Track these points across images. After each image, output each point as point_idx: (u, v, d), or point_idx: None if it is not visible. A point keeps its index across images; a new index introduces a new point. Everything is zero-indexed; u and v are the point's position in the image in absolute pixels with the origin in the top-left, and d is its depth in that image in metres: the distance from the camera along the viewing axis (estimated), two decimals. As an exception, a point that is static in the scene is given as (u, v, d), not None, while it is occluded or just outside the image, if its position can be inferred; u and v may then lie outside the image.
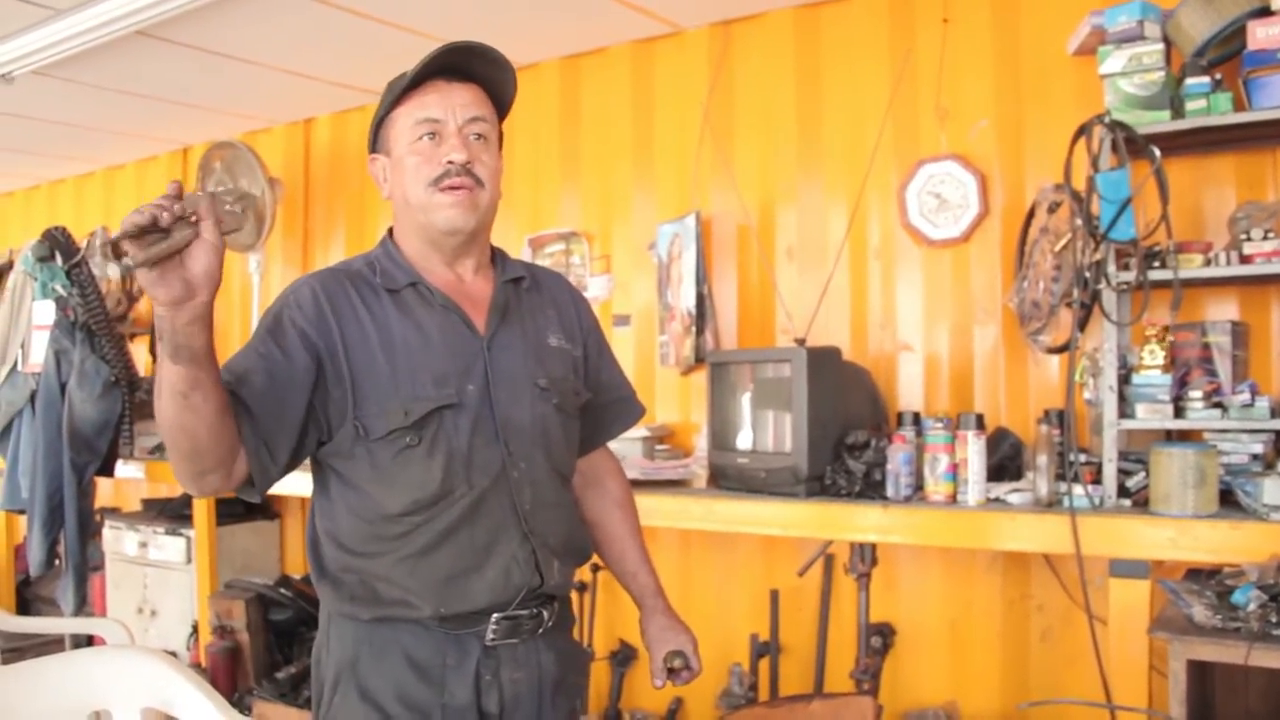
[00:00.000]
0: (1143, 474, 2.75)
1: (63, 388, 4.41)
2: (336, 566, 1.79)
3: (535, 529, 1.81)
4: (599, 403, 2.04)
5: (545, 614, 1.84)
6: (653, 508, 3.33)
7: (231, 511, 4.92)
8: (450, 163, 1.76)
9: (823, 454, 3.14)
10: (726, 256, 3.98)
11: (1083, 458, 2.87)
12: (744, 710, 2.67)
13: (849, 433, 3.16)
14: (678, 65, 4.11)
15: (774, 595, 3.76)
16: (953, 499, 2.95)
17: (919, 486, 3.05)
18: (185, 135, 5.64)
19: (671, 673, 1.98)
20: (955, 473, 2.96)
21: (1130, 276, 2.75)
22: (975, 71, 3.48)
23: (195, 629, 4.79)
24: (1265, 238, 2.69)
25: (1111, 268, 2.79)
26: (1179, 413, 2.74)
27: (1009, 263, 3.35)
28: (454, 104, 1.79)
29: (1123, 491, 2.78)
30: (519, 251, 4.35)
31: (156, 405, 1.54)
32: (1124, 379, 2.82)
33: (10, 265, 5.71)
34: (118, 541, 5.15)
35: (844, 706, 2.66)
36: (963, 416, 2.99)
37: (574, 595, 3.98)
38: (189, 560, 4.82)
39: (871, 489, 3.08)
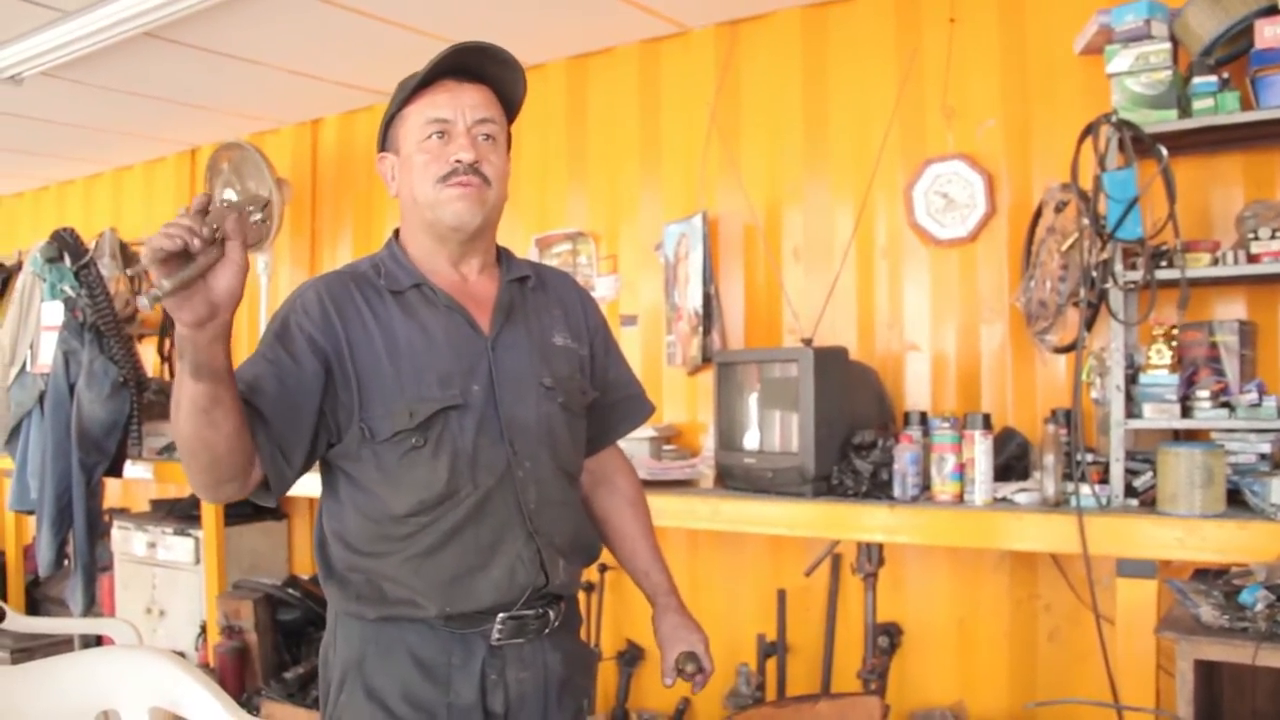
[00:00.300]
0: (1150, 474, 2.75)
1: (71, 388, 4.42)
2: (343, 566, 1.80)
3: (541, 528, 1.82)
4: (607, 401, 2.04)
5: (551, 614, 1.85)
6: (660, 508, 3.31)
7: (240, 512, 4.92)
8: (458, 161, 1.77)
9: (829, 454, 3.14)
10: (733, 256, 3.98)
11: (1090, 457, 2.87)
12: (751, 710, 2.67)
13: (856, 432, 3.16)
14: (684, 65, 4.11)
15: (781, 595, 3.76)
16: (959, 499, 2.95)
17: (926, 486, 3.05)
18: (193, 136, 5.65)
19: (683, 674, 1.97)
20: (962, 472, 2.95)
21: (1137, 276, 2.75)
22: (982, 71, 3.48)
23: (203, 629, 4.80)
24: (1273, 237, 2.69)
25: (1118, 267, 2.78)
26: (1186, 412, 2.74)
27: (1016, 262, 3.35)
28: (463, 104, 1.80)
29: (1130, 491, 2.78)
30: (526, 252, 4.36)
31: (174, 420, 1.54)
32: (1131, 378, 2.81)
33: (19, 266, 5.73)
34: (126, 542, 5.16)
35: (851, 706, 2.65)
36: (969, 416, 2.99)
37: (581, 595, 4.00)
38: (197, 561, 4.83)
39: (878, 489, 3.08)
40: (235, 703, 2.26)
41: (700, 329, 3.83)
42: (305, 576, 4.75)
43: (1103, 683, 2.72)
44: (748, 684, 3.73)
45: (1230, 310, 3.07)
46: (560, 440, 1.88)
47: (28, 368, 4.66)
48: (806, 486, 3.12)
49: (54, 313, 4.51)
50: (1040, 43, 3.37)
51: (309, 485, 1.88)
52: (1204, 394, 2.72)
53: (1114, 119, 2.77)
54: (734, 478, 3.40)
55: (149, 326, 5.79)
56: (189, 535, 4.86)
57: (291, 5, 3.72)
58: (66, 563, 4.64)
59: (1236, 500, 2.68)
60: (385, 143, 1.90)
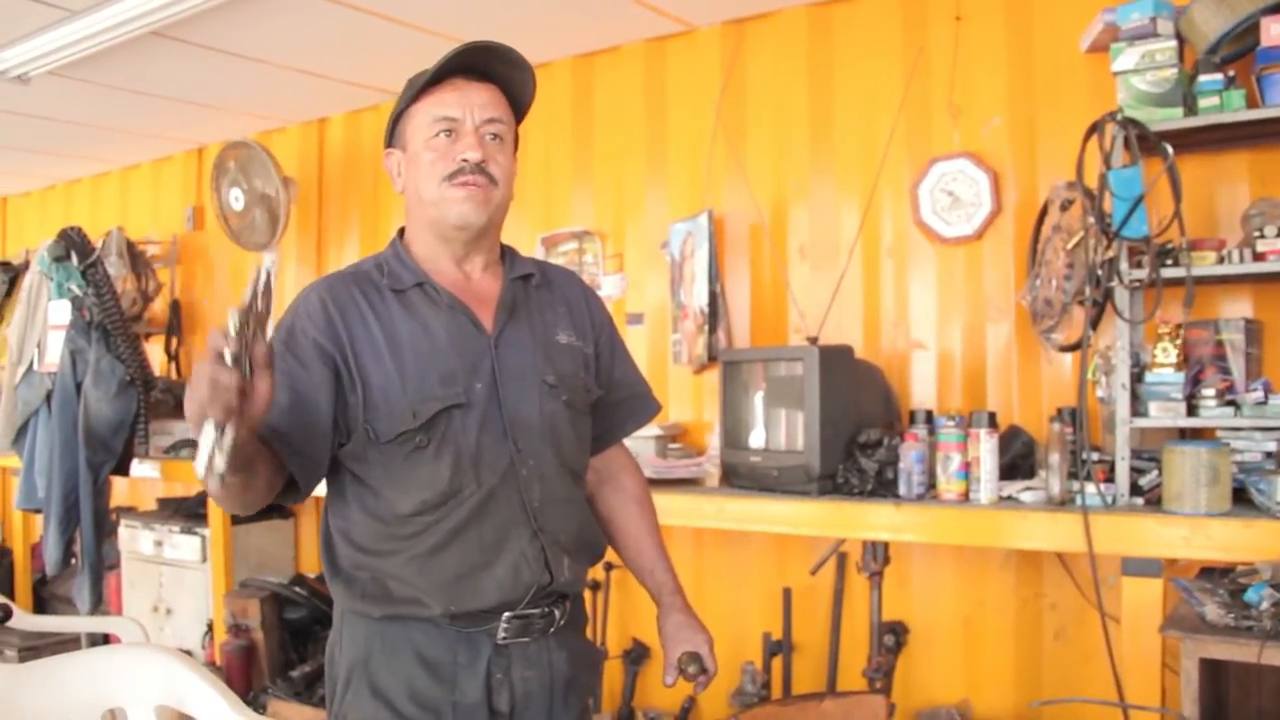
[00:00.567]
0: (1155, 472, 2.74)
1: (78, 387, 4.44)
2: (349, 565, 1.81)
3: (545, 526, 1.82)
4: (612, 400, 2.04)
5: (557, 613, 1.85)
6: (665, 506, 3.31)
7: (245, 510, 4.92)
8: (465, 161, 1.77)
9: (835, 452, 3.14)
10: (739, 255, 3.98)
11: (1095, 456, 2.86)
12: (756, 708, 2.66)
13: (861, 431, 3.16)
14: (690, 64, 4.11)
15: (786, 594, 3.76)
16: (965, 497, 2.95)
17: (931, 485, 3.05)
18: (200, 135, 5.67)
19: (685, 674, 1.96)
20: (968, 471, 2.95)
21: (1143, 274, 2.75)
22: (988, 69, 3.48)
23: (210, 628, 4.81)
24: (1279, 235, 2.68)
25: (1124, 265, 2.78)
26: (1192, 411, 2.73)
27: (1022, 260, 3.34)
28: (472, 103, 1.80)
29: (1135, 490, 2.78)
30: (532, 251, 4.36)
31: (209, 482, 1.52)
32: (1137, 377, 2.81)
33: (26, 265, 5.76)
34: (133, 540, 5.18)
35: (856, 705, 2.64)
36: (975, 415, 2.98)
37: (587, 594, 4.00)
38: (204, 559, 4.84)
39: (884, 487, 3.08)
40: (242, 701, 2.26)
41: (706, 327, 3.83)
42: (312, 575, 4.76)
43: (1109, 681, 2.72)
44: (753, 682, 3.73)
45: (1236, 308, 3.06)
46: (564, 438, 1.88)
47: (35, 366, 4.68)
48: (812, 485, 3.12)
49: (61, 312, 4.53)
50: (1046, 41, 3.37)
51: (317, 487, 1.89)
52: (1209, 392, 2.72)
53: (1119, 117, 2.77)
54: (739, 476, 3.40)
55: (156, 325, 5.82)
56: (196, 534, 4.88)
57: (298, 4, 3.73)
58: (74, 561, 4.66)
59: (1242, 499, 2.68)
60: (393, 138, 1.90)
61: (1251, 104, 2.73)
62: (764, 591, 3.86)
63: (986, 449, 2.92)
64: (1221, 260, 2.75)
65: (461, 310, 1.82)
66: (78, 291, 4.51)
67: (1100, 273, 2.77)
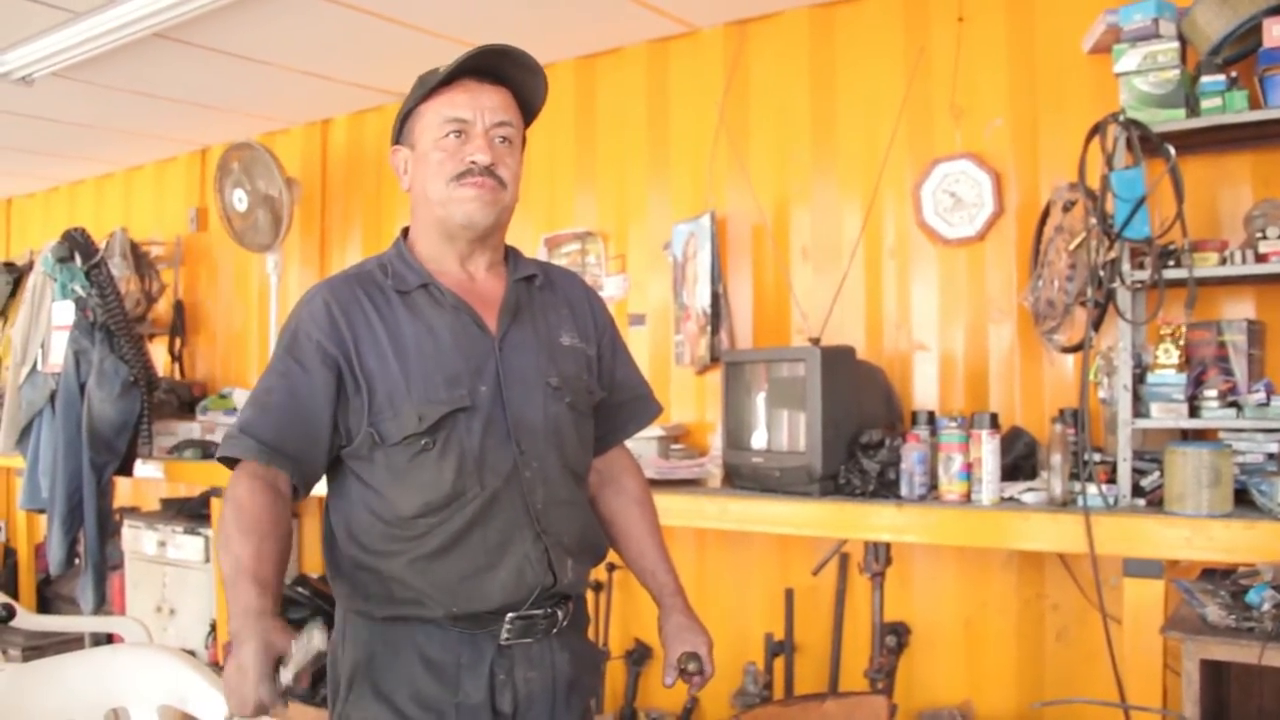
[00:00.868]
0: (1157, 473, 2.74)
1: (82, 388, 4.45)
2: (351, 564, 1.81)
3: (548, 528, 1.82)
4: (614, 401, 2.04)
5: (560, 614, 1.85)
6: (667, 507, 3.32)
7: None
8: (474, 163, 1.78)
9: (837, 453, 3.15)
10: (741, 256, 3.98)
11: (1097, 457, 2.87)
12: (758, 709, 2.67)
13: (863, 432, 3.16)
14: (693, 65, 4.12)
15: (789, 594, 3.76)
16: (967, 498, 2.95)
17: (933, 486, 3.05)
18: (203, 136, 5.67)
19: (684, 674, 1.96)
20: (969, 472, 2.95)
21: (1145, 275, 2.75)
22: (990, 70, 3.48)
23: (213, 628, 4.82)
24: (1281, 236, 2.68)
25: (1126, 266, 2.78)
26: (1194, 412, 2.73)
27: (1024, 262, 3.34)
28: (483, 106, 1.81)
29: (1137, 491, 2.78)
30: (535, 251, 4.37)
31: (224, 573, 1.66)
32: (1139, 378, 2.81)
33: (30, 266, 5.77)
34: (136, 541, 5.19)
35: (858, 706, 2.65)
36: (977, 416, 2.98)
37: (590, 595, 4.00)
38: (207, 559, 4.85)
39: (885, 488, 3.08)
40: (244, 701, 2.26)
41: (708, 328, 3.83)
42: (315, 575, 4.76)
43: (1110, 682, 2.72)
44: (755, 683, 3.73)
45: (1238, 310, 3.06)
46: (567, 440, 1.88)
47: (39, 367, 4.69)
48: (814, 486, 3.13)
49: (65, 312, 4.53)
50: (1048, 42, 3.37)
51: (318, 484, 1.89)
52: (1211, 393, 2.72)
53: (1122, 118, 2.77)
54: (741, 477, 3.40)
55: (159, 326, 5.83)
56: (199, 534, 4.89)
57: (301, 6, 3.73)
58: (77, 561, 4.67)
59: (1244, 500, 2.67)
60: (400, 136, 1.90)
61: (1254, 105, 2.74)
62: (766, 592, 3.87)
63: (988, 450, 2.92)
64: (1224, 261, 2.75)
65: (466, 311, 1.82)
66: (81, 292, 4.51)
67: (1102, 274, 2.78)
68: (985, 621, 3.47)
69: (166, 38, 3.95)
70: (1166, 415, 2.74)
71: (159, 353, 5.81)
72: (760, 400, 3.43)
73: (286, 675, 1.51)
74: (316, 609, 4.47)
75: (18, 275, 6.25)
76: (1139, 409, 2.78)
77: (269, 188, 4.93)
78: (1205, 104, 2.76)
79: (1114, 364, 2.87)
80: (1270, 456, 2.74)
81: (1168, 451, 2.66)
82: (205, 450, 4.76)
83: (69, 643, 4.73)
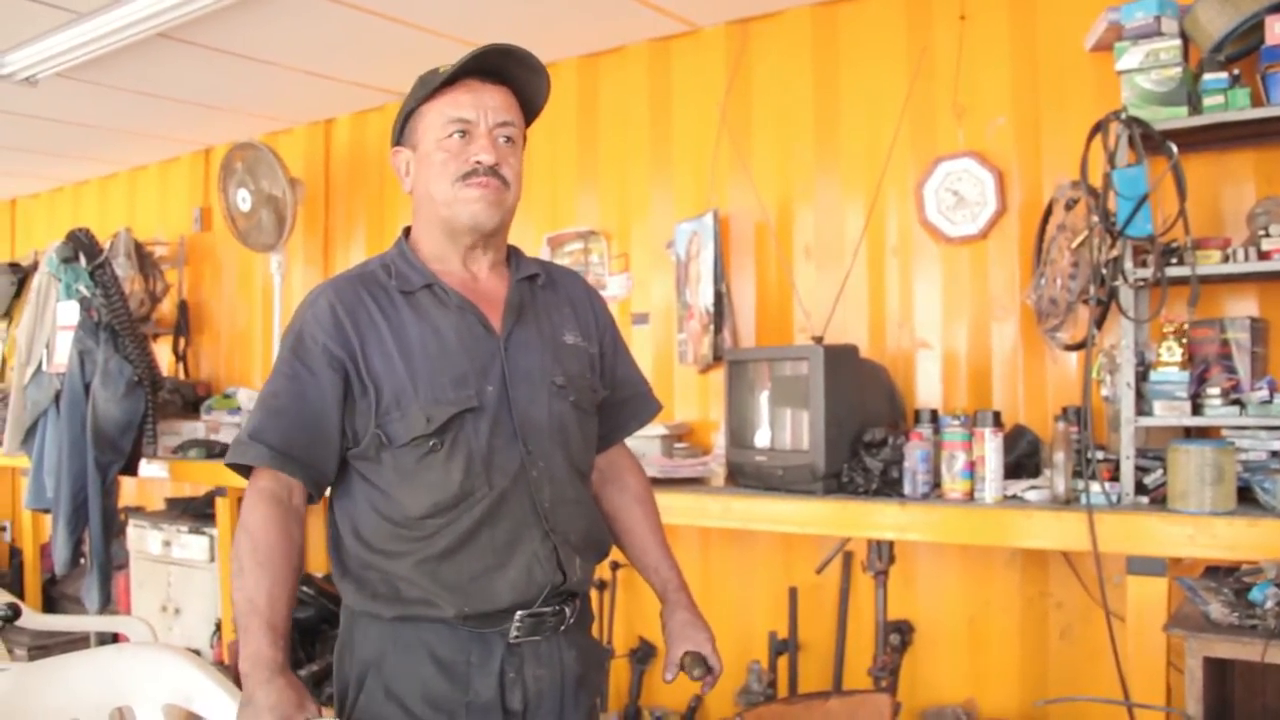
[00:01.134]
0: (1160, 471, 2.74)
1: (87, 388, 4.45)
2: (358, 565, 1.81)
3: (556, 526, 1.82)
4: (615, 399, 2.05)
5: (567, 611, 1.85)
6: (671, 505, 3.33)
7: (254, 510, 4.93)
8: (478, 163, 1.78)
9: (840, 452, 3.15)
10: (744, 254, 3.98)
11: (1100, 455, 2.87)
12: (761, 707, 2.67)
13: (866, 430, 3.16)
14: (695, 64, 4.12)
15: (792, 593, 3.76)
16: (970, 496, 2.95)
17: (936, 484, 3.05)
18: (207, 136, 5.69)
19: (689, 675, 1.95)
20: (972, 470, 2.96)
21: (1147, 273, 2.75)
22: (992, 68, 3.48)
23: (218, 627, 4.82)
24: (1284, 234, 2.68)
25: (1129, 264, 2.78)
26: (1197, 410, 2.73)
27: (1027, 260, 3.35)
28: (486, 105, 1.81)
29: (1140, 489, 2.78)
30: (538, 251, 4.37)
31: (236, 606, 1.70)
32: (1141, 376, 2.81)
33: (35, 266, 5.77)
34: (142, 540, 5.20)
35: (861, 704, 2.65)
36: (980, 414, 2.99)
37: (594, 593, 4.01)
38: (212, 559, 4.86)
39: (889, 486, 3.08)
40: (249, 699, 2.27)
41: (711, 327, 3.83)
42: (320, 575, 4.77)
43: (1114, 680, 2.72)
44: (759, 681, 3.74)
45: (1241, 307, 3.06)
46: (572, 438, 1.89)
47: (44, 367, 4.70)
48: (817, 484, 3.13)
49: (69, 312, 4.54)
50: (1051, 40, 3.37)
51: (323, 485, 1.90)
52: (1214, 391, 2.72)
53: (1124, 116, 2.77)
54: (745, 475, 3.40)
55: (163, 326, 5.84)
56: (204, 533, 4.89)
57: (304, 6, 3.74)
58: (83, 561, 4.68)
59: (1247, 498, 2.67)
60: (401, 137, 1.90)
61: (1256, 102, 2.74)
62: (770, 590, 3.87)
63: (991, 448, 2.92)
64: (1227, 259, 2.75)
65: (471, 311, 1.82)
66: (86, 292, 4.52)
67: (1105, 272, 2.78)
68: (989, 620, 3.48)
69: (170, 38, 3.96)
70: (1169, 413, 2.75)
71: (163, 352, 5.83)
72: (763, 399, 3.43)
73: None
74: (322, 608, 4.48)
75: (22, 275, 6.26)
76: (1142, 407, 2.79)
77: (273, 187, 4.94)
78: (1207, 101, 2.76)
79: (1117, 362, 2.87)
80: (1273, 454, 2.73)
81: (1171, 449, 2.66)
82: (210, 450, 4.77)
83: (74, 642, 4.74)
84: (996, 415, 2.97)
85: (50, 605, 6.15)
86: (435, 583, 1.75)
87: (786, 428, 3.34)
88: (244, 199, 5.04)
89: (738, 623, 3.92)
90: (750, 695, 3.72)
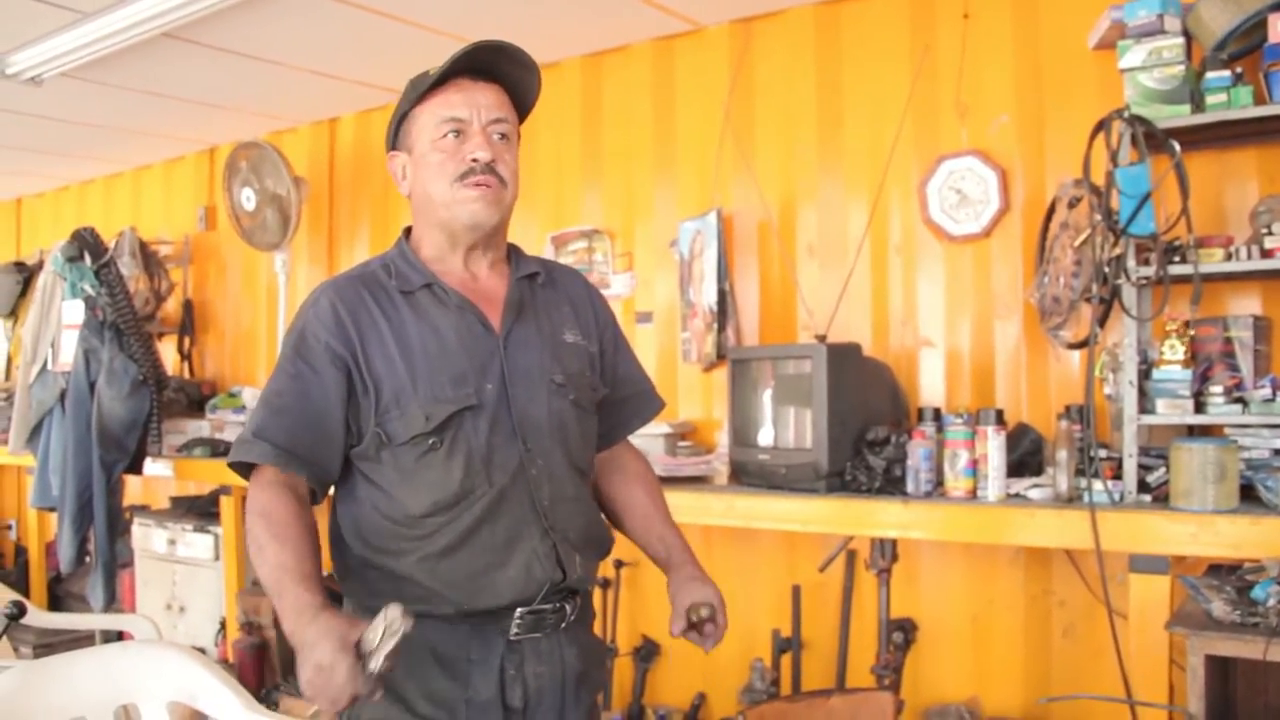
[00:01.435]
0: (1163, 469, 2.74)
1: (92, 386, 4.47)
2: (359, 563, 1.82)
3: (555, 524, 1.83)
4: (616, 397, 2.05)
5: (568, 608, 1.86)
6: (674, 503, 3.28)
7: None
8: (475, 161, 1.78)
9: (843, 450, 3.15)
10: (748, 253, 3.99)
11: (1103, 453, 2.87)
12: (764, 705, 2.68)
13: (869, 428, 3.16)
14: (699, 63, 4.12)
15: (796, 591, 3.77)
16: (973, 495, 2.95)
17: (939, 482, 3.05)
18: (211, 135, 5.69)
19: (694, 627, 1.89)
20: (975, 468, 2.96)
21: (1150, 271, 2.75)
22: (996, 66, 3.48)
23: (223, 625, 4.84)
24: (1287, 231, 2.68)
25: (1131, 262, 2.78)
26: (1200, 408, 2.73)
27: (1030, 258, 3.35)
28: (478, 103, 1.81)
29: (1143, 487, 2.78)
30: (542, 249, 4.38)
31: (265, 580, 1.68)
32: (1144, 374, 2.81)
33: (40, 265, 5.80)
34: (146, 539, 5.21)
35: (864, 702, 2.66)
36: (983, 412, 2.99)
37: (598, 592, 4.01)
38: (217, 557, 4.87)
39: (891, 485, 3.09)
40: (251, 696, 2.28)
41: (715, 325, 3.84)
42: (324, 573, 4.77)
43: (1117, 678, 2.72)
44: (762, 679, 3.74)
45: (1244, 305, 3.06)
46: (572, 436, 1.89)
47: (49, 366, 4.72)
48: (820, 482, 3.13)
49: (74, 311, 4.56)
50: (1054, 38, 3.37)
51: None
52: (1217, 389, 2.72)
53: (1126, 114, 2.77)
54: (748, 474, 3.41)
55: (168, 325, 5.85)
56: (209, 532, 4.90)
57: (309, 5, 3.75)
58: (88, 559, 4.69)
59: (1250, 496, 2.67)
60: (396, 141, 1.91)
61: (1259, 101, 2.73)
62: (773, 589, 3.87)
63: (994, 446, 2.92)
64: (1229, 257, 2.75)
65: (470, 310, 1.83)
66: (91, 291, 4.54)
67: (1107, 270, 2.78)
68: (992, 618, 3.48)
69: (175, 37, 3.97)
70: (1172, 411, 2.74)
71: (168, 351, 5.84)
72: (767, 397, 3.43)
73: (376, 663, 1.49)
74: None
75: (28, 274, 6.29)
76: (1145, 405, 2.78)
77: (277, 187, 4.95)
78: (1210, 100, 2.76)
79: (1119, 360, 2.87)
80: (1276, 452, 2.73)
81: (1173, 447, 2.66)
82: (214, 448, 4.78)
83: (80, 640, 4.75)
84: (999, 413, 2.98)
85: (55, 603, 6.17)
86: (436, 580, 1.76)
87: (790, 426, 3.34)
88: (248, 198, 5.05)
89: (741, 621, 3.88)
90: (753, 693, 3.72)
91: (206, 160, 5.96)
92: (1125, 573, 2.71)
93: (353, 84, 4.74)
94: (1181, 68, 2.80)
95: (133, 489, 5.58)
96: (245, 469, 1.78)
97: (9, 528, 7.00)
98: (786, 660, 3.76)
